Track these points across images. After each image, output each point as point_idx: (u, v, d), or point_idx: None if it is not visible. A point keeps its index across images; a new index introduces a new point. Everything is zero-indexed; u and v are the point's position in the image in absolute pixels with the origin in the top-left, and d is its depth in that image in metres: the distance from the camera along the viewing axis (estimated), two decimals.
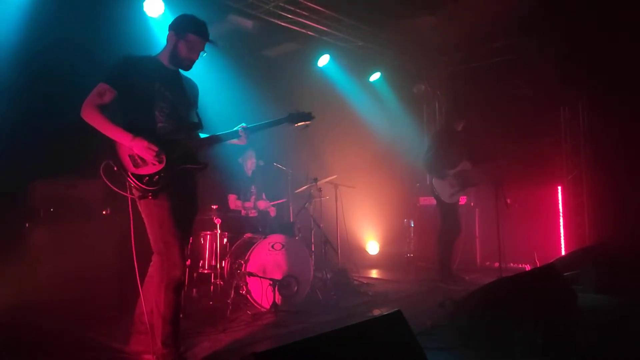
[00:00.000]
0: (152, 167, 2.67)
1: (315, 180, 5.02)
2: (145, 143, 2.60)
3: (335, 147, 6.65)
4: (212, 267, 4.35)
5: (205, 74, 4.92)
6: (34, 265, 3.65)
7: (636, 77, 5.38)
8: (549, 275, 3.58)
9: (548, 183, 6.15)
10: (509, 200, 4.89)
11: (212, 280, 4.32)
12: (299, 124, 3.27)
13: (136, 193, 2.70)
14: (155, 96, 2.75)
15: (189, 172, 2.92)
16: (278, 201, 5.27)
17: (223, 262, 4.35)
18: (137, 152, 2.62)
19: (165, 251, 2.75)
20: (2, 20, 4.04)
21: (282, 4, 5.41)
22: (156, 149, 2.63)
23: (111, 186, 2.64)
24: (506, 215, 4.92)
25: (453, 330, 3.25)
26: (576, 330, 3.00)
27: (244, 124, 3.05)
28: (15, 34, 4.03)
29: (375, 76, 7.39)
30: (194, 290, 4.45)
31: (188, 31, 2.81)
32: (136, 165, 2.66)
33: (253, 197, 5.23)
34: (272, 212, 5.26)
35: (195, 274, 4.41)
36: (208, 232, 4.41)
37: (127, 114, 2.73)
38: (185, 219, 2.89)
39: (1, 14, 4.04)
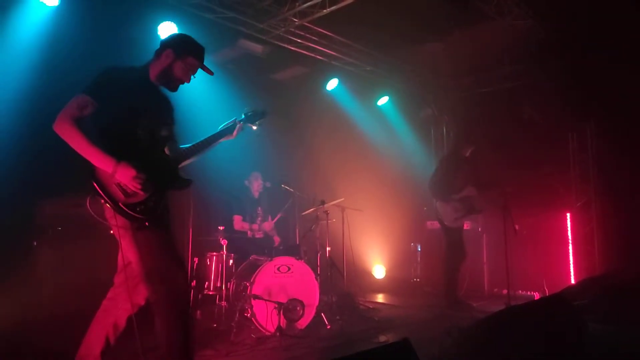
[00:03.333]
0: (142, 194, 2.39)
1: (323, 202, 5.02)
2: (133, 172, 2.31)
3: (342, 170, 6.66)
4: (217, 289, 4.32)
5: (214, 96, 5.01)
6: (41, 283, 3.65)
7: None
8: (558, 304, 3.52)
9: (556, 210, 6.09)
10: (517, 227, 4.84)
11: (217, 302, 4.29)
12: (256, 122, 3.07)
13: (128, 224, 2.40)
14: (140, 114, 2.49)
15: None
16: (278, 216, 5.28)
17: (228, 283, 4.33)
18: (122, 181, 2.32)
19: (169, 278, 2.47)
20: (16, 40, 4.13)
21: (292, 29, 5.51)
22: (143, 177, 2.35)
23: (100, 221, 2.38)
24: (514, 241, 4.86)
25: (460, 359, 3.18)
26: None
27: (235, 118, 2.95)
28: (27, 54, 4.13)
29: (384, 100, 7.45)
30: (198, 312, 4.41)
31: (190, 54, 2.63)
32: (126, 195, 2.36)
33: (259, 218, 5.23)
34: (276, 241, 5.23)
35: (200, 295, 4.38)
36: (214, 253, 4.40)
37: (105, 131, 2.43)
38: (176, 240, 2.70)
39: (16, 33, 4.15)
